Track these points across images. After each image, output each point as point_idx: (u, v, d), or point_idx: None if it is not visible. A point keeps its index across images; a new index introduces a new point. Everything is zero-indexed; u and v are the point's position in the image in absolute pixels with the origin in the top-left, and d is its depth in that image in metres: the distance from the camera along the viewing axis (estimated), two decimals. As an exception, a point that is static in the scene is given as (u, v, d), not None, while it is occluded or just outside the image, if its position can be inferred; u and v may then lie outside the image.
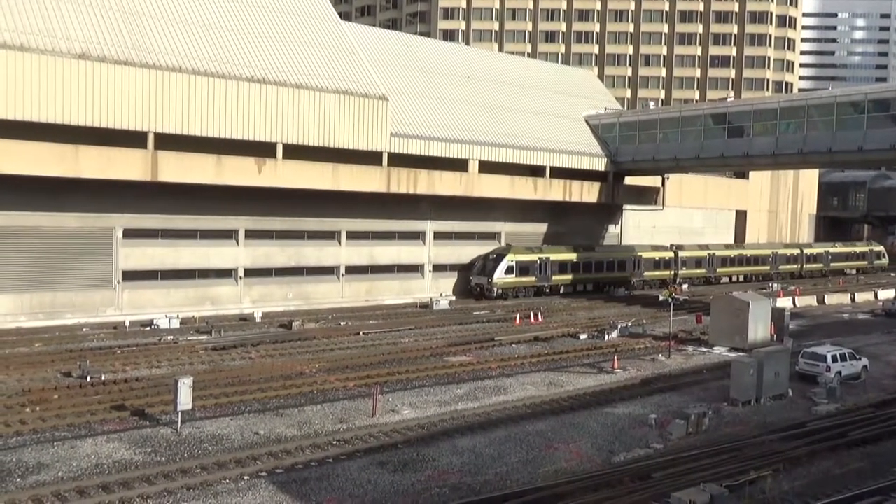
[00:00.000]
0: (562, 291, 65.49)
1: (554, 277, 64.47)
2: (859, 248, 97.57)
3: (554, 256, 64.43)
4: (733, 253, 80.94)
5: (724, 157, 62.33)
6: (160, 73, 44.14)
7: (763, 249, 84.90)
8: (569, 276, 65.90)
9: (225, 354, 37.88)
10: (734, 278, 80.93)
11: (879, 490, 21.51)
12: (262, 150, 48.41)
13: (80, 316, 46.31)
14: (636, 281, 71.22)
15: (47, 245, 45.23)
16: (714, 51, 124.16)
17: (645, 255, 72.07)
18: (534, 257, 63.07)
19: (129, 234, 48.26)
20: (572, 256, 65.90)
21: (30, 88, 39.96)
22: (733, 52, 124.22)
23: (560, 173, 66.52)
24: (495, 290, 60.65)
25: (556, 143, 66.95)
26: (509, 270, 61.19)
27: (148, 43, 45.20)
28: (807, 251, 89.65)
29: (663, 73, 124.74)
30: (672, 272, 74.25)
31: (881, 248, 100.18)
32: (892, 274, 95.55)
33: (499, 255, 61.82)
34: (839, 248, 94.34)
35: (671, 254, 74.89)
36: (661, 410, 29.75)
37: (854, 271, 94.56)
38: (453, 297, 60.82)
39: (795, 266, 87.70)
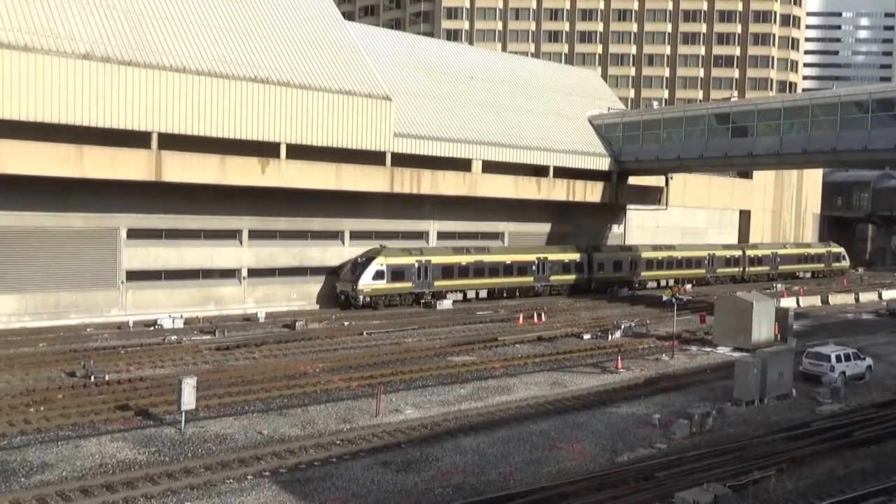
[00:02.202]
0: (449, 299, 57.58)
1: (437, 283, 57.24)
2: (814, 250, 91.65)
3: (437, 259, 57.34)
4: (661, 255, 73.59)
5: (727, 157, 62.25)
6: (164, 73, 44.21)
7: (698, 251, 77.94)
8: (456, 281, 58.56)
9: (228, 354, 37.92)
10: (662, 282, 73.42)
11: (884, 490, 21.46)
12: (265, 150, 48.47)
13: (84, 316, 46.39)
14: (540, 286, 64.12)
15: (51, 245, 45.31)
16: (718, 50, 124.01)
17: (552, 257, 64.90)
18: (410, 260, 55.75)
19: (133, 234, 48.33)
20: (461, 259, 58.69)
21: (34, 89, 40.05)
22: (737, 51, 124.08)
23: (563, 173, 66.50)
24: (361, 297, 53.11)
25: (560, 143, 66.92)
26: (379, 275, 53.66)
27: (152, 43, 45.27)
28: (750, 253, 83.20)
29: (667, 72, 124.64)
30: (583, 275, 67.13)
31: (841, 250, 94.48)
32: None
33: (368, 258, 54.56)
34: (789, 250, 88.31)
35: (584, 255, 67.65)
36: (665, 410, 29.72)
37: (808, 275, 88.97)
38: (318, 306, 54.44)
39: (736, 269, 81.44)
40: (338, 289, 54.48)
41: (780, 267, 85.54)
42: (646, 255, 72.24)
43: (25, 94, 39.83)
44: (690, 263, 76.16)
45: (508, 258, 61.77)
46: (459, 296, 58.77)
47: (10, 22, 40.50)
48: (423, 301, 56.69)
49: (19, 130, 40.17)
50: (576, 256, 66.45)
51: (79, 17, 43.55)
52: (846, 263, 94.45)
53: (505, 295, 61.70)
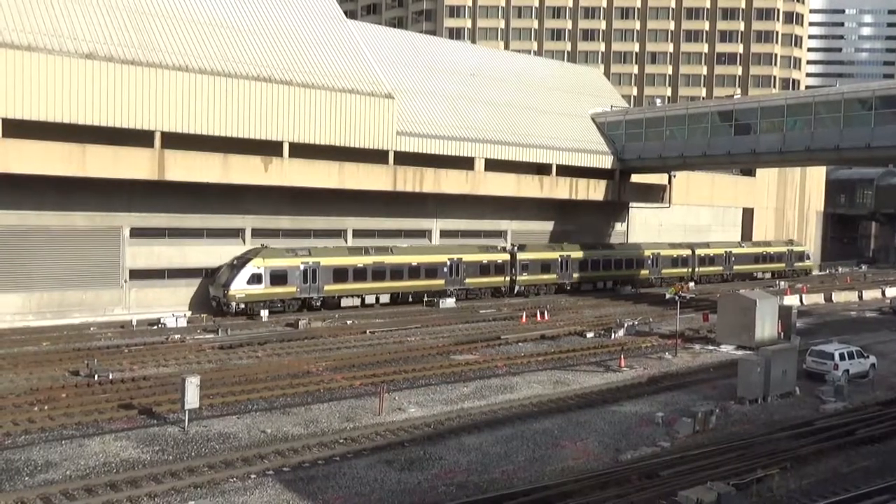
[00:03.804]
0: (342, 305, 52.39)
1: (327, 287, 51.46)
2: (774, 249, 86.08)
3: (329, 261, 51.38)
4: (596, 255, 67.67)
5: (730, 155, 62.19)
6: (167, 72, 44.25)
7: (640, 250, 72.39)
8: (352, 285, 52.59)
9: (232, 353, 37.96)
10: (598, 285, 68.30)
11: (888, 488, 21.43)
12: (268, 148, 48.50)
13: (88, 315, 46.46)
14: (454, 290, 58.19)
15: (55, 244, 45.39)
16: (721, 48, 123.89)
17: (468, 258, 58.83)
18: (295, 262, 49.88)
19: (136, 233, 48.41)
20: (357, 261, 52.68)
21: (37, 88, 40.12)
22: (740, 48, 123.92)
23: (566, 171, 66.47)
24: (233, 304, 47.52)
25: (563, 142, 66.88)
26: (255, 279, 48.08)
27: (154, 42, 45.30)
28: (701, 252, 77.56)
29: (670, 70, 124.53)
30: (505, 278, 61.50)
31: (804, 249, 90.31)
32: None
33: (244, 259, 49.06)
34: (745, 249, 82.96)
35: (505, 256, 61.74)
36: (668, 409, 29.71)
37: (768, 276, 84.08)
38: (188, 313, 48.42)
39: (685, 270, 75.80)
40: (211, 293, 49.38)
41: (735, 267, 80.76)
42: (576, 255, 66.02)
43: (29, 94, 39.89)
44: (631, 264, 70.49)
45: (414, 259, 55.61)
46: (356, 301, 52.98)
47: (14, 22, 40.55)
48: (313, 308, 51.15)
49: (23, 129, 40.23)
50: (496, 257, 60.82)
51: (82, 16, 43.59)
52: (810, 263, 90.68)
53: (410, 300, 56.02)
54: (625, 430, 27.03)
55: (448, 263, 57.61)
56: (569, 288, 65.46)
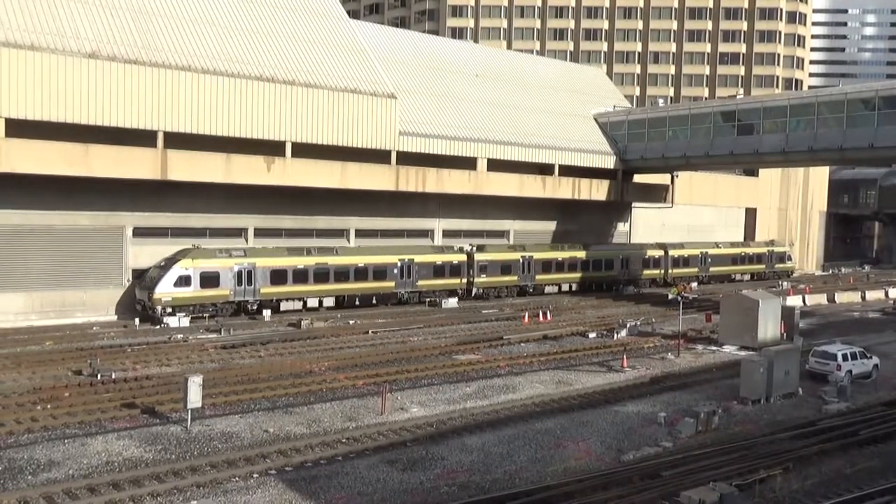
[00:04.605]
0: (282, 309, 49.52)
1: (265, 290, 48.55)
2: (753, 250, 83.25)
3: (266, 262, 48.53)
4: (560, 255, 64.51)
5: (733, 155, 62.14)
6: (169, 71, 44.30)
7: (612, 251, 69.52)
8: (292, 288, 49.63)
9: (234, 353, 37.99)
10: (563, 287, 65.45)
11: (891, 489, 21.40)
12: (271, 148, 48.54)
13: (91, 314, 46.52)
14: (405, 293, 55.38)
15: (58, 244, 45.46)
16: (723, 48, 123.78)
17: (420, 258, 55.89)
18: (227, 263, 46.96)
19: (139, 232, 48.46)
20: (297, 262, 49.88)
21: (40, 88, 40.17)
22: (743, 48, 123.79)
23: (569, 171, 66.45)
24: (158, 307, 44.65)
25: (565, 142, 66.86)
26: (183, 282, 45.21)
27: (157, 42, 45.35)
28: (674, 253, 74.21)
29: (672, 70, 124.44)
30: (461, 280, 58.58)
31: (786, 250, 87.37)
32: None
33: (171, 261, 46.16)
34: (722, 250, 79.76)
35: (462, 257, 58.85)
36: (671, 409, 29.69)
37: (746, 277, 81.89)
38: (115, 317, 46.83)
39: (657, 272, 72.92)
40: (137, 296, 46.44)
41: (712, 269, 77.91)
42: (539, 256, 62.95)
43: (32, 93, 39.95)
44: (599, 266, 67.32)
45: (361, 260, 52.68)
46: (297, 305, 50.04)
47: (17, 21, 40.60)
48: (249, 312, 48.46)
49: (26, 129, 40.29)
50: (452, 258, 57.80)
51: (84, 16, 43.65)
52: (791, 264, 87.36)
53: (358, 303, 53.06)
54: (627, 431, 27.01)
55: (399, 264, 54.65)
56: (531, 291, 62.81)
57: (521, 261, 61.93)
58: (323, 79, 50.88)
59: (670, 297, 45.16)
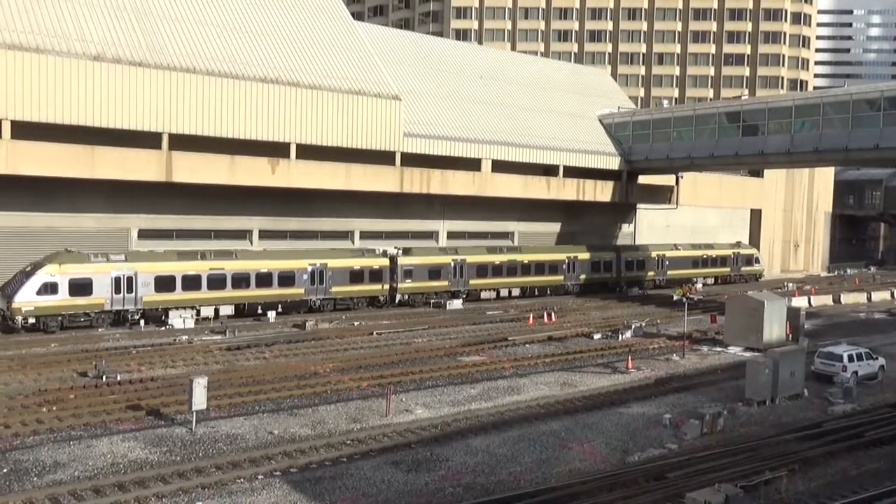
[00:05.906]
0: (165, 318, 44.77)
1: (147, 298, 43.99)
2: (717, 252, 78.48)
3: (149, 267, 43.94)
4: (498, 259, 60.02)
5: (738, 156, 62.01)
6: (174, 73, 44.40)
7: (555, 253, 64.32)
8: (180, 296, 45.11)
9: (239, 354, 38.02)
10: (503, 292, 60.92)
11: (897, 491, 21.35)
12: (275, 150, 48.62)
13: (96, 316, 46.54)
14: (316, 299, 50.84)
15: (63, 246, 45.47)
16: (728, 49, 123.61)
17: (334, 263, 51.33)
18: (104, 268, 42.38)
19: (144, 234, 48.57)
20: (187, 267, 45.33)
21: (45, 90, 40.33)
22: (748, 49, 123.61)
23: (573, 172, 66.44)
24: (18, 318, 40.36)
25: (570, 143, 66.83)
26: (48, 289, 40.77)
27: (162, 44, 45.47)
28: (627, 256, 69.84)
29: (677, 71, 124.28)
30: (382, 286, 54.06)
31: (753, 252, 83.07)
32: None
33: (37, 266, 41.56)
34: (682, 252, 74.95)
35: (384, 261, 54.25)
36: (676, 410, 29.62)
37: (710, 280, 77.43)
38: None
39: (608, 275, 68.21)
40: None
41: (670, 272, 73.03)
42: (473, 259, 58.70)
43: (37, 96, 40.10)
44: (542, 269, 62.77)
45: (264, 265, 48.27)
46: (187, 314, 45.39)
47: (22, 24, 40.76)
48: (129, 321, 44.08)
49: (31, 131, 40.42)
50: (372, 263, 53.48)
51: (89, 18, 43.78)
52: (760, 267, 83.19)
53: (260, 311, 48.60)
54: (632, 432, 26.97)
55: (309, 270, 50.12)
56: (465, 296, 58.38)
57: (451, 265, 57.51)
58: (327, 80, 50.95)
59: (675, 298, 45.13)
